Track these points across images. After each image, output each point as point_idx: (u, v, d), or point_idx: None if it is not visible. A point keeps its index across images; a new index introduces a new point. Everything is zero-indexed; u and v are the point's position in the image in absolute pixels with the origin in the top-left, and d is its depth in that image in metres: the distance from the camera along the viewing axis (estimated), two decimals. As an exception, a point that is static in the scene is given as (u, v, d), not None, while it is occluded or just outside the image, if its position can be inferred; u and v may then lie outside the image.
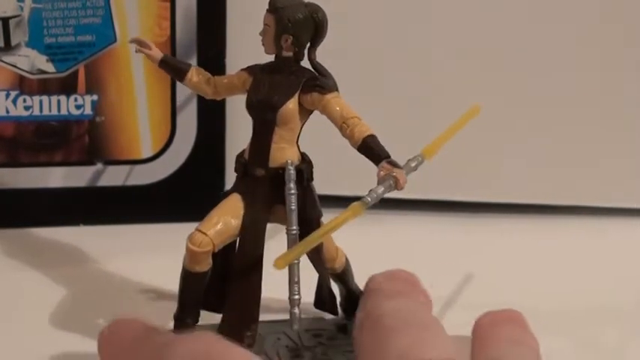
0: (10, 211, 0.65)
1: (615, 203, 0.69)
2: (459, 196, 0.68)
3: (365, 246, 0.63)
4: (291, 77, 0.47)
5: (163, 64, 0.50)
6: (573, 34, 0.66)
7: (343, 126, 0.47)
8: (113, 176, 0.65)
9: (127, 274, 0.59)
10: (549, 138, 0.67)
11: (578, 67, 0.66)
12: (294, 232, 0.47)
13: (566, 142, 0.67)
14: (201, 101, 0.64)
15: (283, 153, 0.47)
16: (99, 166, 0.65)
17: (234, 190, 0.49)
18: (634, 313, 0.57)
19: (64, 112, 0.64)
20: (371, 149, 0.46)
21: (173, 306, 0.52)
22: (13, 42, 0.62)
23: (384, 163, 0.45)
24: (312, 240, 0.44)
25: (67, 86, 0.63)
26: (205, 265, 0.48)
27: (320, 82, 0.47)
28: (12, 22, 0.62)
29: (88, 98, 0.64)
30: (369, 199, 0.44)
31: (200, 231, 0.48)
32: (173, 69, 0.50)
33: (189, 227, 0.65)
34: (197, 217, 0.65)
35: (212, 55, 0.64)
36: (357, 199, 0.44)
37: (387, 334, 0.39)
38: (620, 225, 0.68)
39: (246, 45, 0.66)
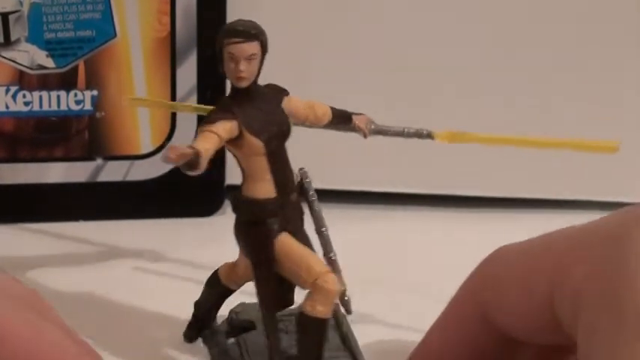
0: (9, 206, 0.64)
1: (617, 198, 0.69)
2: (463, 191, 0.68)
3: (368, 241, 0.63)
4: (269, 96, 0.47)
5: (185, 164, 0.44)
6: (574, 31, 0.66)
7: (309, 111, 0.47)
8: (113, 172, 0.65)
9: (127, 270, 0.59)
10: (552, 131, 0.67)
11: (578, 62, 0.66)
12: (325, 230, 0.49)
13: (569, 135, 0.67)
14: (201, 96, 0.64)
15: (291, 168, 0.47)
16: (99, 161, 0.65)
17: (278, 230, 0.46)
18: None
19: (63, 107, 0.64)
20: (340, 112, 0.48)
21: (173, 301, 0.52)
22: (13, 37, 0.62)
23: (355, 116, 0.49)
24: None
25: (67, 82, 0.63)
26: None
27: (278, 86, 0.47)
28: (11, 18, 0.62)
29: (88, 94, 0.64)
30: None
31: (328, 271, 0.46)
32: (191, 165, 0.44)
33: (189, 222, 0.65)
34: (196, 213, 0.66)
35: (212, 52, 0.64)
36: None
37: None
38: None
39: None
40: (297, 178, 0.48)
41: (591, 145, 0.47)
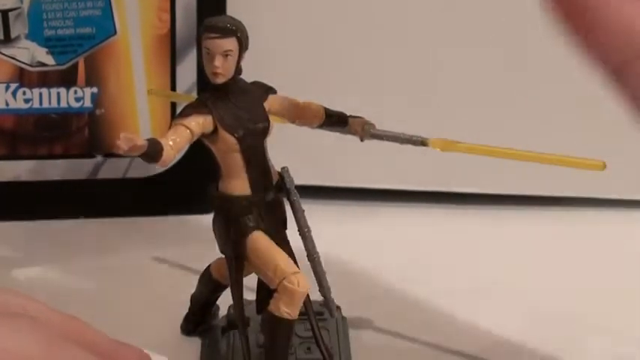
0: (9, 203, 0.65)
1: (618, 195, 0.69)
2: (457, 188, 0.68)
3: (362, 238, 0.63)
4: (249, 93, 0.46)
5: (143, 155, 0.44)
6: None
7: (298, 111, 0.47)
8: (113, 169, 0.65)
9: (127, 267, 0.59)
10: (549, 127, 0.67)
11: (578, 65, 0.66)
12: (308, 231, 0.48)
13: (568, 132, 0.67)
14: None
15: (272, 167, 0.47)
16: (98, 158, 0.65)
17: (252, 228, 0.46)
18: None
19: (63, 104, 0.64)
20: (335, 114, 0.47)
21: (173, 297, 0.52)
22: (13, 34, 0.62)
23: (352, 119, 0.48)
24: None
25: (67, 79, 0.63)
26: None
27: (264, 84, 0.47)
28: (11, 15, 0.62)
29: (88, 91, 0.64)
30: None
31: (296, 272, 0.45)
32: (150, 156, 0.44)
33: (190, 220, 0.65)
34: (197, 210, 0.66)
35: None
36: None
37: None
38: (624, 216, 0.68)
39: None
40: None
41: (580, 163, 0.48)
